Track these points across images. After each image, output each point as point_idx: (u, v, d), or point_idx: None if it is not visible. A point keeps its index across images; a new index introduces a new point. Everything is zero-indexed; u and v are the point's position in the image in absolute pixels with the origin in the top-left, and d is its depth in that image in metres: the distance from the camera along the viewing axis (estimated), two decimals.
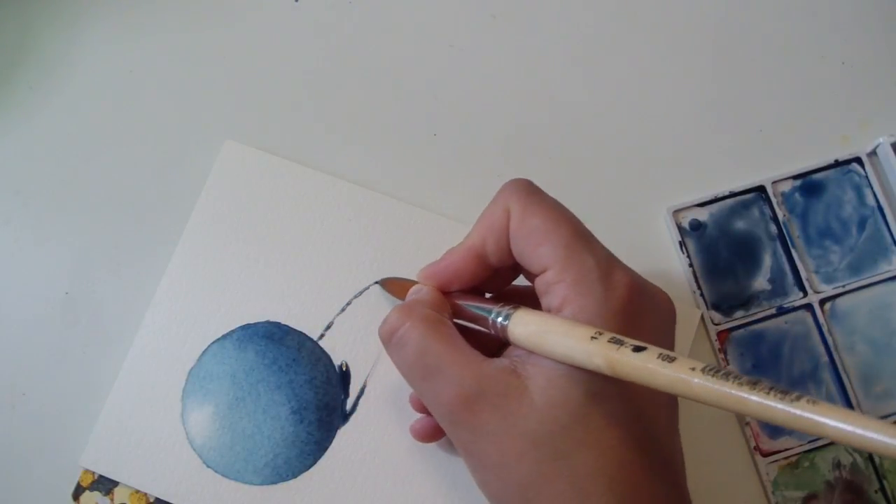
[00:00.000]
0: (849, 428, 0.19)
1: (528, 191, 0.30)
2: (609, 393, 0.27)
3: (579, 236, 0.29)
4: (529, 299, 0.30)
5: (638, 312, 0.28)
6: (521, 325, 0.28)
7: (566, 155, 0.41)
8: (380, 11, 0.42)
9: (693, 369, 0.23)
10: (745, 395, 0.21)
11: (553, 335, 0.27)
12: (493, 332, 0.29)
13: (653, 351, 0.24)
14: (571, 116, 0.41)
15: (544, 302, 0.29)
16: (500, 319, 0.29)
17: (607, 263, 0.29)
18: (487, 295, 0.33)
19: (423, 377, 0.29)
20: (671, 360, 0.23)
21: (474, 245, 0.31)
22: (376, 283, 0.38)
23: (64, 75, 0.41)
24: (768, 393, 0.21)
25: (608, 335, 0.25)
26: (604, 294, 0.28)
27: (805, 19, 0.43)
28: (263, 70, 0.41)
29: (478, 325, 0.30)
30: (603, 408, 0.27)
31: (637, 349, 0.24)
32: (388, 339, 0.30)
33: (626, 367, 0.24)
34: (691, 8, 0.43)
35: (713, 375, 0.22)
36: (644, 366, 0.24)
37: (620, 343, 0.25)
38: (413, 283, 0.33)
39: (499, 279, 0.32)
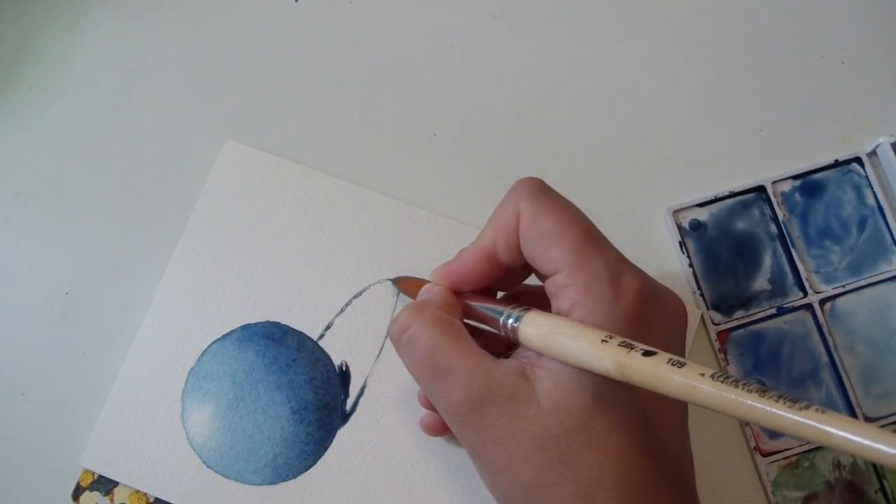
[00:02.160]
0: (857, 439, 0.19)
1: (539, 191, 0.30)
2: (616, 397, 0.27)
3: (590, 239, 0.29)
4: (541, 298, 0.30)
5: (648, 316, 0.28)
6: (532, 327, 0.28)
7: (566, 155, 0.41)
8: (380, 11, 0.42)
9: (702, 375, 0.23)
10: (754, 403, 0.21)
11: (563, 337, 0.27)
12: (503, 333, 0.29)
13: (662, 356, 0.24)
14: (571, 116, 0.41)
15: (554, 304, 0.29)
16: (510, 321, 0.29)
17: (617, 267, 0.28)
18: (499, 295, 0.33)
19: (432, 377, 0.29)
20: (680, 365, 0.23)
21: (486, 245, 0.30)
22: (389, 279, 0.38)
23: (64, 75, 0.41)
24: (777, 401, 0.21)
25: (619, 339, 0.25)
26: (613, 299, 0.28)
27: (805, 19, 0.43)
28: (263, 70, 0.41)
29: (488, 325, 0.30)
30: (610, 412, 0.27)
31: (647, 353, 0.24)
32: (398, 337, 0.30)
33: (635, 371, 0.24)
34: (691, 8, 0.43)
35: (722, 382, 0.22)
36: (653, 371, 0.24)
37: (630, 347, 0.25)
38: (426, 282, 0.33)
39: (511, 278, 0.32)
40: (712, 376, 0.22)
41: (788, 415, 0.20)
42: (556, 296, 0.29)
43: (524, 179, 0.31)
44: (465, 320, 0.31)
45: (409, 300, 0.36)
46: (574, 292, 0.28)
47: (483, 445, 0.28)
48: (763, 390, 0.21)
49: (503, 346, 0.31)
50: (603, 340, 0.25)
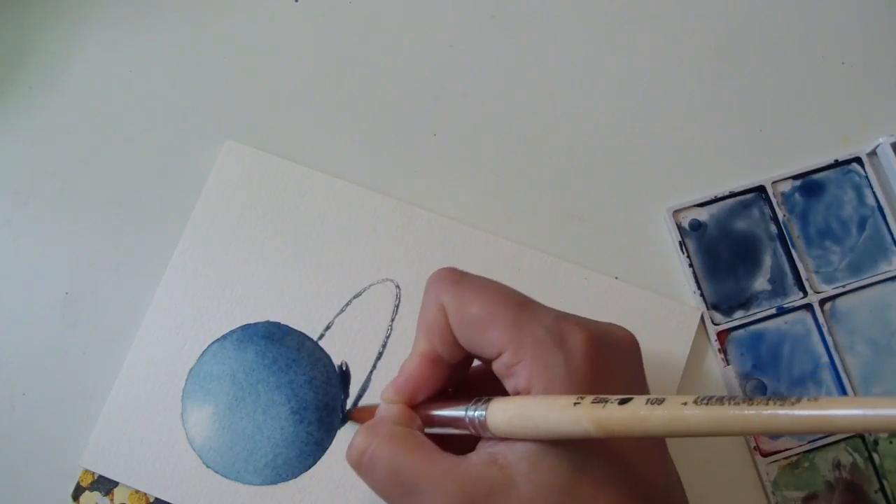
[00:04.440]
0: (857, 412, 0.18)
1: (454, 279, 0.30)
2: (593, 460, 0.27)
3: (522, 309, 0.28)
4: (491, 380, 0.29)
5: (604, 364, 0.28)
6: (500, 412, 0.27)
7: (566, 155, 0.41)
8: (380, 11, 0.42)
9: (685, 404, 0.22)
10: (745, 412, 0.20)
11: (534, 413, 0.26)
12: (470, 430, 0.28)
13: (640, 399, 0.23)
14: (571, 116, 0.41)
15: (509, 385, 0.28)
16: (476, 415, 0.28)
17: (558, 327, 0.28)
18: (450, 390, 0.32)
19: (402, 496, 0.28)
20: (660, 402, 0.22)
21: (424, 351, 0.30)
22: (347, 414, 0.37)
23: (64, 75, 0.41)
24: (767, 404, 0.20)
25: (590, 397, 0.25)
26: (564, 361, 0.27)
27: (805, 19, 0.43)
28: (263, 70, 0.41)
29: (453, 427, 0.29)
30: (590, 476, 0.26)
31: (623, 402, 0.23)
32: (358, 462, 0.29)
33: (617, 422, 0.23)
34: (691, 8, 0.43)
35: (707, 404, 0.21)
36: (635, 416, 0.23)
37: (605, 401, 0.24)
38: (377, 406, 0.32)
39: (457, 372, 0.31)
40: (695, 402, 0.22)
41: (783, 412, 0.20)
42: (508, 376, 0.28)
43: (436, 273, 0.30)
44: (428, 430, 0.30)
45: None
46: (525, 367, 0.27)
47: None
48: (750, 399, 0.21)
49: (465, 444, 0.29)
50: (575, 403, 0.25)
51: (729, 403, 0.21)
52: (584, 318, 0.29)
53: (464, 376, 0.32)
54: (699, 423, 0.21)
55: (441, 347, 0.29)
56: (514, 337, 0.27)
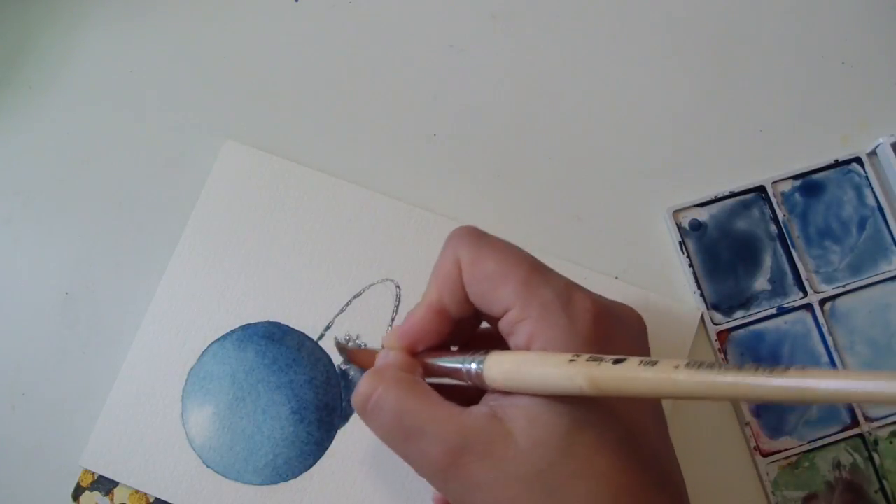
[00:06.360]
0: (841, 384, 0.19)
1: (475, 237, 0.30)
2: (592, 420, 0.27)
3: (535, 271, 0.29)
4: (496, 341, 0.30)
5: (606, 334, 0.28)
6: (497, 366, 0.27)
7: (566, 155, 0.41)
8: (380, 11, 0.42)
9: (676, 367, 0.22)
10: (734, 380, 0.21)
11: (529, 367, 0.26)
12: (468, 382, 0.29)
13: (633, 360, 0.24)
14: (571, 116, 0.41)
15: (511, 342, 0.29)
16: (473, 366, 0.28)
17: (567, 292, 0.28)
18: (454, 348, 0.32)
19: (405, 439, 0.28)
20: (653, 363, 0.23)
21: (432, 301, 0.30)
22: (338, 344, 0.37)
23: (64, 75, 0.41)
24: (755, 371, 0.21)
25: (586, 355, 0.25)
26: (568, 323, 0.27)
27: (805, 19, 0.43)
28: (263, 70, 0.41)
29: (452, 378, 0.30)
30: (588, 436, 0.27)
31: (617, 361, 0.24)
32: (363, 406, 0.29)
33: (609, 380, 0.24)
34: (691, 8, 0.43)
35: (697, 368, 0.22)
36: (626, 375, 0.24)
37: (599, 360, 0.24)
38: (378, 351, 0.32)
39: (463, 330, 0.32)
40: (686, 366, 0.22)
41: (770, 381, 0.20)
42: (512, 333, 0.28)
43: (458, 228, 0.31)
44: (428, 379, 0.30)
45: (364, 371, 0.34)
46: (529, 325, 0.28)
47: (469, 497, 0.27)
48: (739, 366, 0.21)
49: (471, 398, 0.30)
50: (571, 360, 0.25)
51: (719, 369, 0.22)
52: (596, 293, 0.29)
53: (468, 338, 0.32)
54: (688, 386, 0.22)
55: (449, 300, 0.30)
56: (523, 295, 0.28)
